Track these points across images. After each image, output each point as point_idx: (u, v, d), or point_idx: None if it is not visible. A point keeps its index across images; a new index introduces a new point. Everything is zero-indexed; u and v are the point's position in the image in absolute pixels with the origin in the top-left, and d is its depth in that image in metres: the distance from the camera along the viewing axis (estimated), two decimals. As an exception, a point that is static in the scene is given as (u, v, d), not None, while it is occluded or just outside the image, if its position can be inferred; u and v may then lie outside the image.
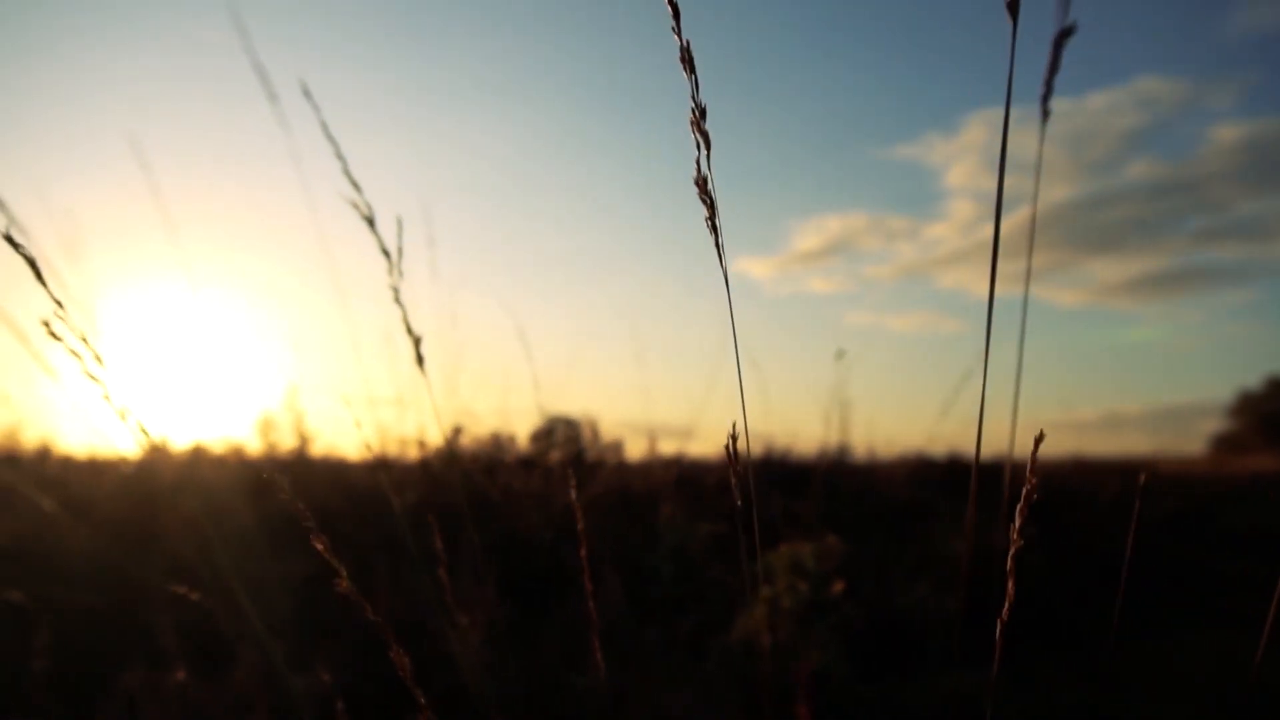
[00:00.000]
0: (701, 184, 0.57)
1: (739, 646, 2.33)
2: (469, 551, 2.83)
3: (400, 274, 1.05)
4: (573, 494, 1.12)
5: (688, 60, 0.58)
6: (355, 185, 1.08)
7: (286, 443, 3.11)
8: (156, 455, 3.15)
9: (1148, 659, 2.66)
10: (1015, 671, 2.39)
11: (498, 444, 3.64)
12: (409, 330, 1.06)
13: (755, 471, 4.74)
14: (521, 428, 3.92)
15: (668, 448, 5.54)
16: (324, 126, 1.14)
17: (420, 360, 1.00)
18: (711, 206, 0.57)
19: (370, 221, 1.07)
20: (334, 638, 1.81)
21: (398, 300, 1.05)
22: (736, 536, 3.34)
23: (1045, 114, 0.73)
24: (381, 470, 3.07)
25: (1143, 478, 1.12)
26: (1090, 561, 3.56)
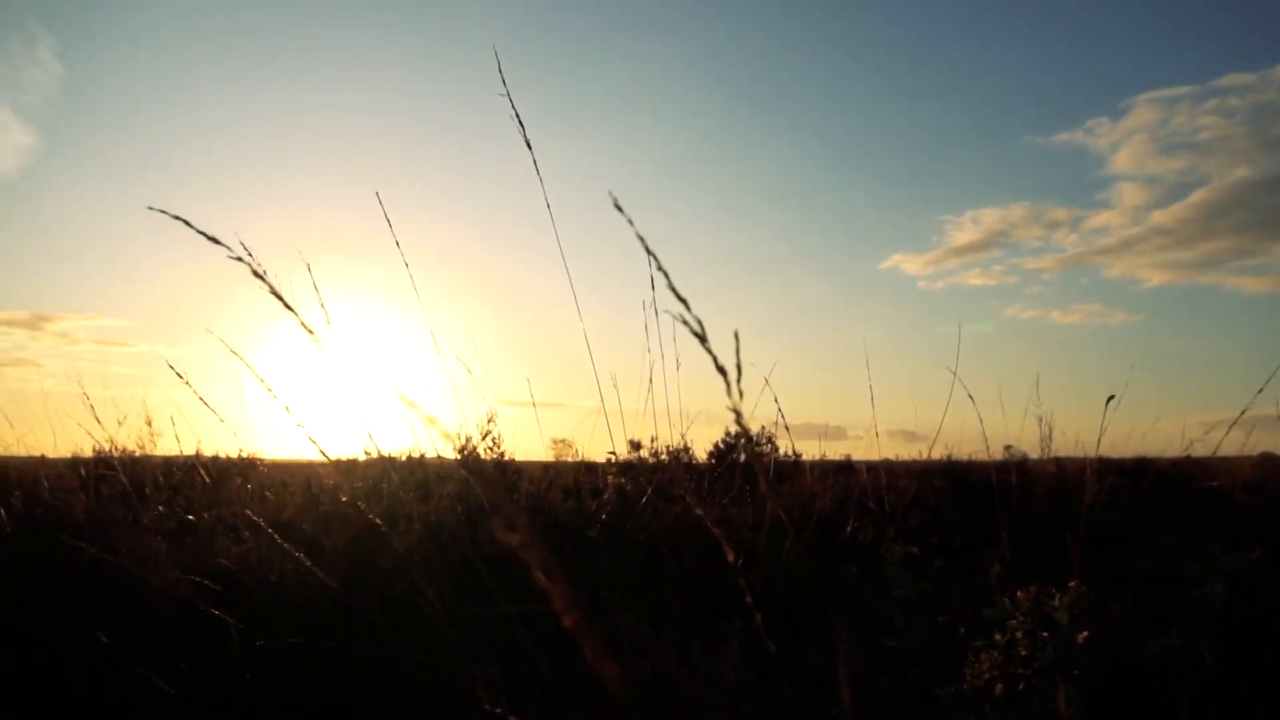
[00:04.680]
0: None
1: (970, 696, 2.23)
2: (674, 582, 2.83)
3: (740, 394, 1.02)
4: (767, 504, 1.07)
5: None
6: (683, 300, 1.05)
7: (485, 463, 3.19)
8: (368, 483, 3.31)
9: None
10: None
11: (677, 461, 3.64)
12: (750, 440, 1.02)
13: (938, 484, 4.57)
14: (699, 437, 3.89)
15: (816, 447, 5.41)
16: (642, 240, 1.12)
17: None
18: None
19: (702, 338, 1.04)
20: (583, 701, 1.83)
21: (739, 423, 1.02)
22: (930, 559, 3.20)
23: None
24: (575, 498, 3.11)
25: None
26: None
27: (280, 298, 1.37)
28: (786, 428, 2.16)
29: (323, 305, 2.15)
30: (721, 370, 1.04)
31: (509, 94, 1.68)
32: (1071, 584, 2.19)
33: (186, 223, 1.49)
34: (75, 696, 2.35)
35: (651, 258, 1.10)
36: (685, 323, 1.05)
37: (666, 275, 1.08)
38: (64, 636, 2.46)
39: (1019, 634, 2.19)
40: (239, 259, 1.40)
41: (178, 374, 2.43)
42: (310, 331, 1.34)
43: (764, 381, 2.58)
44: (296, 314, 1.38)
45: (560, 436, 5.85)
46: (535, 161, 1.79)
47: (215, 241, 1.42)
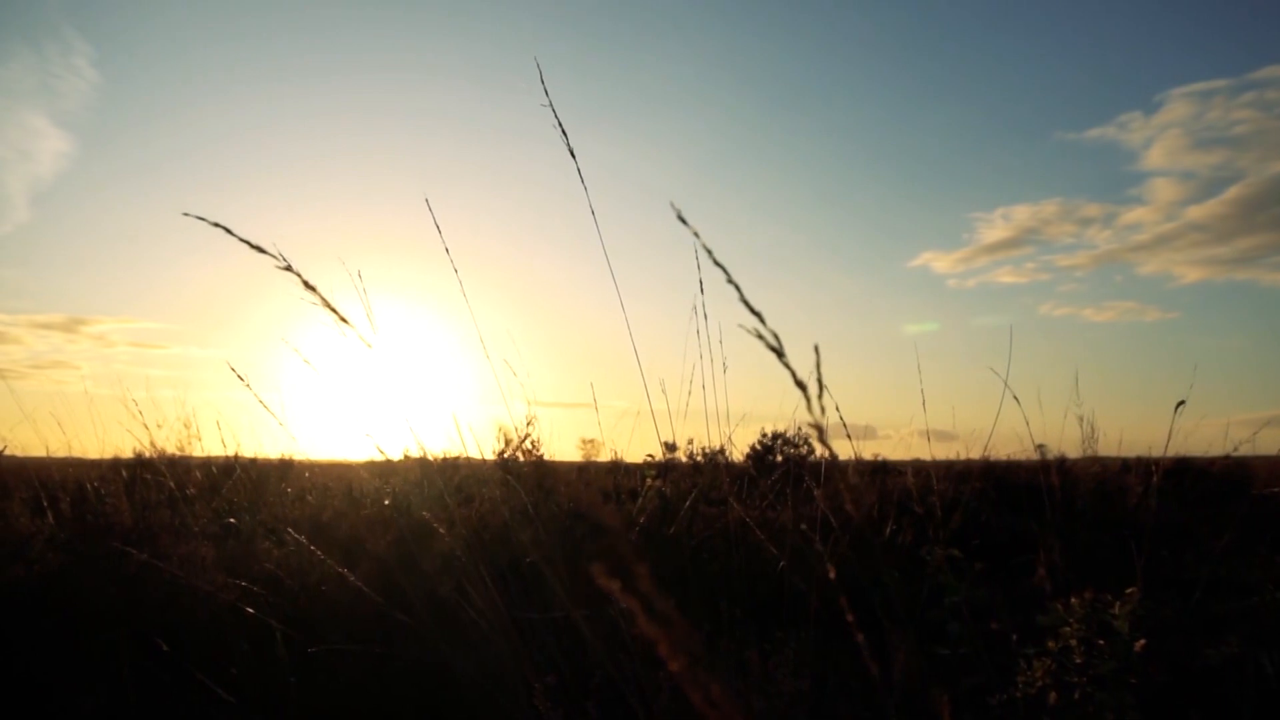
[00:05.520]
0: None
1: (1024, 704, 2.19)
2: (708, 585, 2.81)
3: (822, 410, 1.00)
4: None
5: None
6: (756, 314, 1.04)
7: (525, 466, 3.19)
8: (408, 486, 3.32)
9: None
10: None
11: (714, 463, 3.61)
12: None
13: (976, 486, 4.51)
14: (734, 438, 3.87)
15: (848, 447, 5.34)
16: (709, 252, 1.10)
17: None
18: None
19: (779, 352, 1.02)
20: (645, 712, 1.82)
21: (822, 439, 1.00)
22: (971, 562, 3.16)
23: None
24: (614, 501, 3.10)
25: None
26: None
27: (335, 310, 1.37)
28: (849, 436, 2.13)
29: (370, 316, 2.15)
30: (801, 385, 1.02)
31: (551, 104, 1.67)
32: (1130, 591, 2.15)
33: (228, 230, 1.48)
34: (132, 700, 2.38)
35: (720, 269, 1.08)
36: (760, 336, 1.03)
37: (738, 288, 1.06)
38: (117, 639, 2.49)
39: (1074, 641, 2.15)
40: (287, 268, 1.39)
41: (239, 376, 2.43)
42: (370, 346, 1.34)
43: (824, 386, 2.53)
44: (353, 326, 1.38)
45: (589, 437, 5.85)
46: (580, 170, 1.77)
47: (259, 250, 1.41)
